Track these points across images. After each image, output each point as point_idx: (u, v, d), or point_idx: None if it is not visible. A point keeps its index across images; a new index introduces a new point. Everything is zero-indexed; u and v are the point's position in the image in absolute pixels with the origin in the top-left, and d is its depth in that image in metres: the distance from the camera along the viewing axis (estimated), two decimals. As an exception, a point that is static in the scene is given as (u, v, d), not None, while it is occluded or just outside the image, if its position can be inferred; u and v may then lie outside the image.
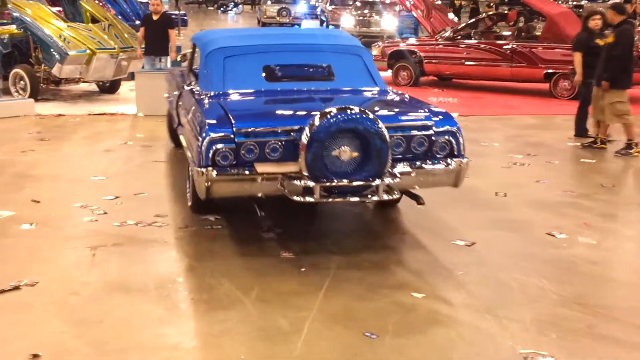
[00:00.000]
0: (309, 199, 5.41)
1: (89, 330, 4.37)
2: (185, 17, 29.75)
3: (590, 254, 5.73)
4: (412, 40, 16.21)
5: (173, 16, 26.88)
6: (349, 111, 5.41)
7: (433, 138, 5.79)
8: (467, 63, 14.40)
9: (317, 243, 5.88)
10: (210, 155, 5.45)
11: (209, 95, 6.44)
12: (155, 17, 11.81)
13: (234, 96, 6.46)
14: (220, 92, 6.47)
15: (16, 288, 4.90)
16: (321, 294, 4.89)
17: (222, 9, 48.61)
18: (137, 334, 4.32)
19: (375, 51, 15.74)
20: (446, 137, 5.83)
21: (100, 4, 16.76)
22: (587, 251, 5.80)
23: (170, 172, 8.10)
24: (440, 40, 14.87)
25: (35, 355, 4.02)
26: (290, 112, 6.00)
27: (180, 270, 5.32)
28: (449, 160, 5.81)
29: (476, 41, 14.57)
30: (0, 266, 5.32)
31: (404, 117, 5.92)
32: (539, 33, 14.84)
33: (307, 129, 5.34)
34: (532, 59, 13.52)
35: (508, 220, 6.53)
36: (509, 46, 13.85)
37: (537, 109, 12.57)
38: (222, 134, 5.49)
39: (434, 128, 5.79)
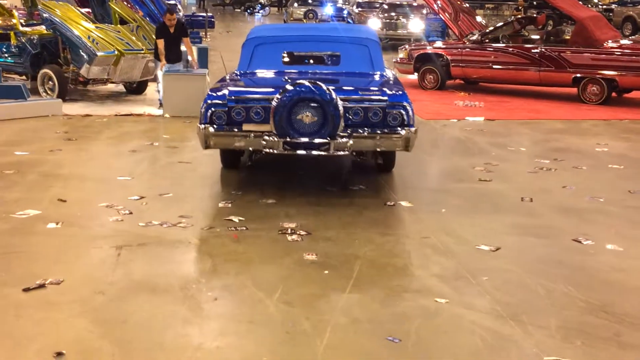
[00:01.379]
0: (274, 151, 6.96)
1: (113, 329, 4.39)
2: (212, 19, 29.85)
3: (617, 261, 5.65)
4: (439, 44, 16.14)
5: (200, 18, 27.03)
6: (309, 85, 6.82)
7: (387, 110, 7.05)
8: (494, 67, 14.29)
9: (340, 246, 5.87)
10: (209, 115, 7.10)
11: (235, 73, 8.20)
12: (172, 30, 11.83)
13: (251, 74, 8.15)
14: (244, 71, 8.16)
15: (42, 286, 4.94)
16: (344, 297, 4.88)
17: (248, 10, 48.75)
18: (161, 334, 4.34)
19: (401, 54, 15.70)
20: (398, 109, 7.05)
21: (129, 5, 16.86)
22: (614, 258, 5.73)
23: (195, 173, 8.13)
24: (467, 43, 14.78)
25: (59, 354, 4.05)
26: (276, 86, 7.15)
27: (204, 271, 5.33)
28: (399, 129, 7.00)
29: (504, 45, 14.46)
30: (27, 264, 5.37)
31: (362, 92, 7.26)
32: (568, 37, 14.69)
33: (276, 97, 6.82)
34: (560, 63, 13.38)
35: (534, 226, 6.46)
36: (538, 50, 13.73)
37: (565, 114, 12.45)
38: (217, 100, 7.13)
39: (387, 102, 7.05)
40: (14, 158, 8.54)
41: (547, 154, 9.26)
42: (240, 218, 6.46)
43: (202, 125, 7.10)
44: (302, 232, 6.11)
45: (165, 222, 6.34)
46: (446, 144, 10.11)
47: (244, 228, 6.23)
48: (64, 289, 4.94)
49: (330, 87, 6.90)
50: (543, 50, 13.66)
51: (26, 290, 4.88)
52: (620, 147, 9.86)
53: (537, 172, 8.41)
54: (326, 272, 5.32)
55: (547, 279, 5.25)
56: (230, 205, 6.88)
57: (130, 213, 6.58)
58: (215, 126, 7.08)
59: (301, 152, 7.03)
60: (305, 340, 4.29)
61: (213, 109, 7.09)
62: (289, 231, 6.13)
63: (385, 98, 7.08)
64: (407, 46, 16.07)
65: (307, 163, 8.72)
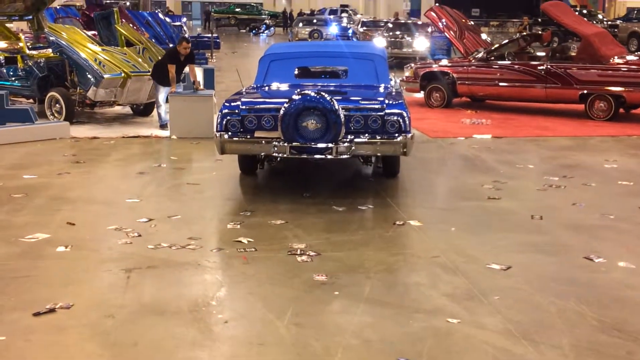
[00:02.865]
0: (283, 155, 7.58)
1: (124, 353, 4.37)
2: (217, 40, 30.01)
3: (629, 279, 5.61)
4: (445, 62, 16.16)
5: (206, 39, 27.20)
6: (313, 95, 7.42)
7: (385, 118, 7.63)
8: (500, 84, 14.28)
9: (350, 266, 5.84)
10: (224, 123, 7.77)
11: (252, 86, 8.94)
12: (182, 58, 11.92)
13: (266, 87, 8.81)
14: (260, 85, 8.85)
15: (52, 310, 4.93)
16: (355, 318, 4.85)
17: (254, 31, 49.00)
18: (171, 357, 4.32)
19: (407, 73, 15.71)
20: (395, 117, 7.63)
21: (135, 27, 16.94)
22: (627, 276, 5.69)
23: (203, 194, 8.12)
24: (473, 61, 14.78)
25: (70, 379, 4.03)
26: (284, 97, 7.66)
27: (213, 293, 5.31)
28: (397, 135, 7.61)
29: (510, 62, 14.45)
30: (36, 288, 5.36)
31: (362, 102, 7.86)
32: (574, 53, 14.68)
33: (284, 106, 7.43)
34: (567, 79, 13.35)
35: (544, 244, 6.43)
36: (544, 67, 13.72)
37: (572, 130, 12.41)
38: (232, 110, 7.80)
39: (385, 110, 7.63)
40: (22, 182, 8.55)
41: (556, 171, 9.22)
42: (250, 239, 6.44)
43: (218, 133, 7.79)
44: (312, 253, 6.09)
45: (174, 244, 6.33)
46: (454, 162, 10.09)
47: (253, 249, 6.21)
48: (74, 313, 4.93)
49: (334, 98, 7.49)
50: (549, 67, 13.64)
51: (36, 314, 4.87)
52: (629, 163, 9.82)
53: (546, 189, 8.38)
54: (336, 293, 5.29)
55: (558, 297, 5.21)
56: (239, 226, 6.87)
57: (139, 235, 6.57)
58: (229, 133, 7.76)
59: (306, 156, 7.67)
60: (317, 363, 4.27)
61: (228, 117, 7.77)
62: (299, 252, 6.11)
63: (383, 107, 7.67)
64: (412, 65, 16.09)
65: (315, 183, 8.72)
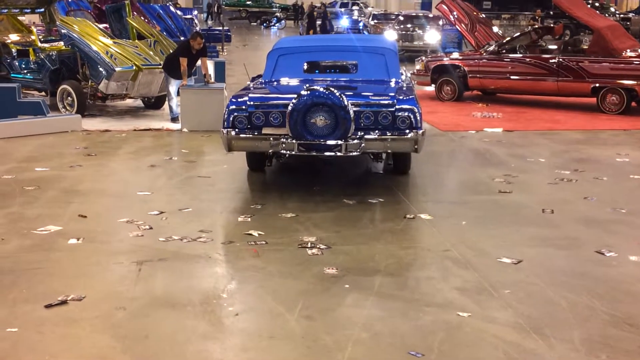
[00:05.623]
0: (291, 152, 7.45)
1: (135, 345, 4.39)
2: (229, 33, 30.01)
3: (641, 273, 5.60)
4: (456, 55, 16.10)
5: (217, 32, 27.19)
6: (322, 90, 7.27)
7: (396, 114, 7.48)
8: (512, 77, 14.22)
9: (360, 260, 5.85)
10: (231, 120, 7.64)
11: (259, 81, 8.80)
12: (194, 52, 11.91)
13: (274, 82, 8.64)
14: (268, 80, 8.67)
15: (63, 302, 4.96)
16: (365, 312, 4.86)
17: (264, 24, 48.94)
18: (182, 349, 4.34)
19: (418, 66, 15.67)
20: (406, 113, 7.48)
21: (146, 20, 16.98)
22: (638, 270, 5.66)
23: (214, 187, 8.14)
24: (484, 54, 14.73)
25: (82, 370, 4.05)
26: (293, 93, 7.50)
27: (224, 286, 5.32)
28: (408, 131, 7.47)
29: (521, 55, 14.38)
30: (48, 280, 5.38)
31: (373, 98, 7.72)
32: (585, 47, 14.60)
33: (292, 102, 7.27)
34: (579, 73, 13.28)
35: (556, 238, 6.41)
36: (555, 60, 13.65)
37: (584, 124, 12.36)
38: (239, 106, 7.66)
39: (396, 106, 7.49)
40: (34, 174, 8.59)
41: (567, 165, 9.19)
42: (260, 232, 6.46)
43: (225, 130, 7.64)
44: (322, 246, 6.09)
45: (185, 236, 6.35)
46: (465, 156, 10.07)
47: (264, 242, 6.22)
48: (85, 305, 4.95)
49: (343, 93, 7.34)
50: (561, 60, 13.58)
51: (48, 306, 4.90)
52: (641, 157, 9.78)
53: (557, 183, 8.35)
54: (347, 286, 5.29)
55: (570, 291, 5.20)
56: (249, 219, 6.88)
57: (151, 228, 6.59)
58: (237, 130, 7.63)
59: (314, 153, 7.55)
60: (327, 356, 4.28)
61: (235, 114, 7.64)
62: (309, 245, 6.12)
63: (394, 102, 7.52)
64: (423, 58, 16.05)
65: (326, 176, 8.73)
